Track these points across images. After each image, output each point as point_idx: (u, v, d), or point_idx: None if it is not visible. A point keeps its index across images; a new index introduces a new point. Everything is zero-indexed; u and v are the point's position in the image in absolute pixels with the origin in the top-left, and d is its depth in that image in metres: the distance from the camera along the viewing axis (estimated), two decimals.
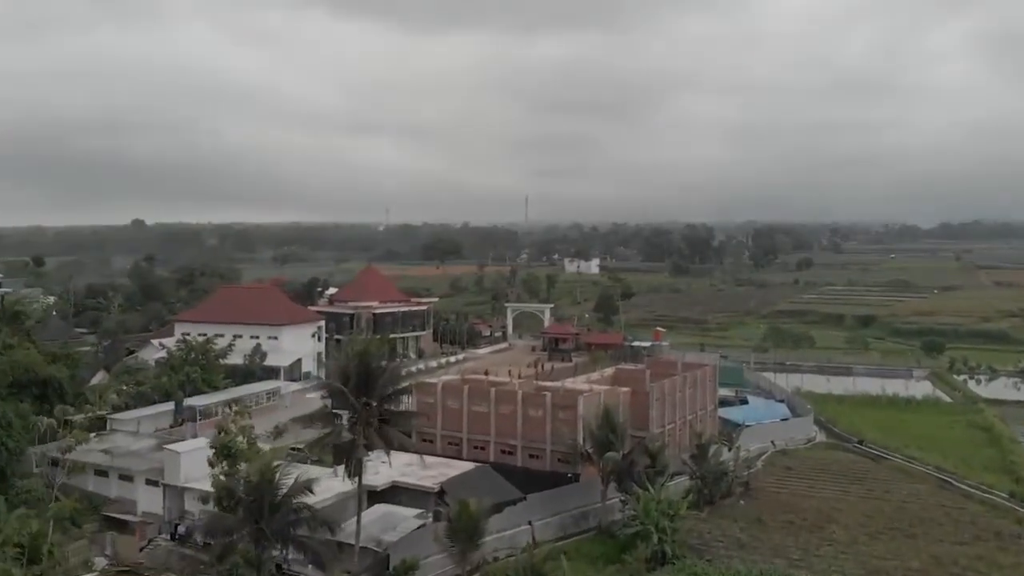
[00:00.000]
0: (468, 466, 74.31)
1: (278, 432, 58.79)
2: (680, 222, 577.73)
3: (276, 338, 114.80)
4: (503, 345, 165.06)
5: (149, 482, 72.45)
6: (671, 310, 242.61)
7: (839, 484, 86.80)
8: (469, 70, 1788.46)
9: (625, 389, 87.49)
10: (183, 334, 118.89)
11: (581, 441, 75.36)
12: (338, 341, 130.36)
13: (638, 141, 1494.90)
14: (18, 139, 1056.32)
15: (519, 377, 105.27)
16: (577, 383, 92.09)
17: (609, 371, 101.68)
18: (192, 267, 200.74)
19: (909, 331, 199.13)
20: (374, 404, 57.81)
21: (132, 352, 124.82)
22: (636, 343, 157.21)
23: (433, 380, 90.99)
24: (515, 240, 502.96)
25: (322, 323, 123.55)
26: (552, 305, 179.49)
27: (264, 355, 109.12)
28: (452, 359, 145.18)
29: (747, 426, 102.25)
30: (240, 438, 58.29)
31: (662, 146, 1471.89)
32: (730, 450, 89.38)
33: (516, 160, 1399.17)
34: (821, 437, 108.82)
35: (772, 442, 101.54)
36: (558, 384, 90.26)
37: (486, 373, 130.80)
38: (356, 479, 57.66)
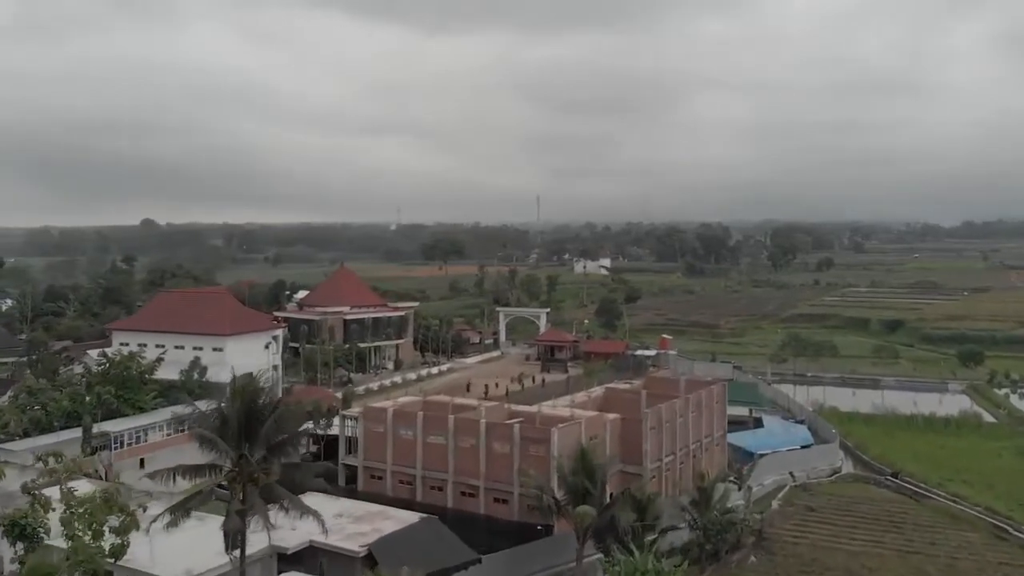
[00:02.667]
0: (411, 519, 59.81)
1: (107, 498, 44.62)
2: (695, 221, 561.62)
3: (221, 349, 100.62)
4: (495, 353, 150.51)
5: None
6: (682, 313, 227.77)
7: (872, 532, 71.89)
8: (484, 69, 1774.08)
9: (613, 416, 72.83)
10: (121, 344, 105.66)
11: (553, 486, 60.47)
12: (295, 351, 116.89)
13: (654, 140, 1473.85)
14: (38, 140, 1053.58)
15: (486, 398, 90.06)
16: (558, 407, 77.38)
17: (599, 391, 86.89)
18: (163, 267, 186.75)
19: (940, 337, 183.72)
20: (259, 455, 43.70)
21: (70, 363, 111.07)
22: (640, 351, 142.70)
23: (383, 404, 76.47)
24: (525, 240, 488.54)
25: (279, 332, 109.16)
26: (548, 310, 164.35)
27: (204, 370, 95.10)
28: (435, 370, 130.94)
29: (762, 455, 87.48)
30: (52, 509, 43.37)
31: (678, 145, 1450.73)
32: (740, 489, 74.79)
33: (531, 160, 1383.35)
34: (847, 466, 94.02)
35: (791, 474, 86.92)
36: (534, 409, 75.57)
37: (468, 387, 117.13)
38: (237, 552, 43.43)
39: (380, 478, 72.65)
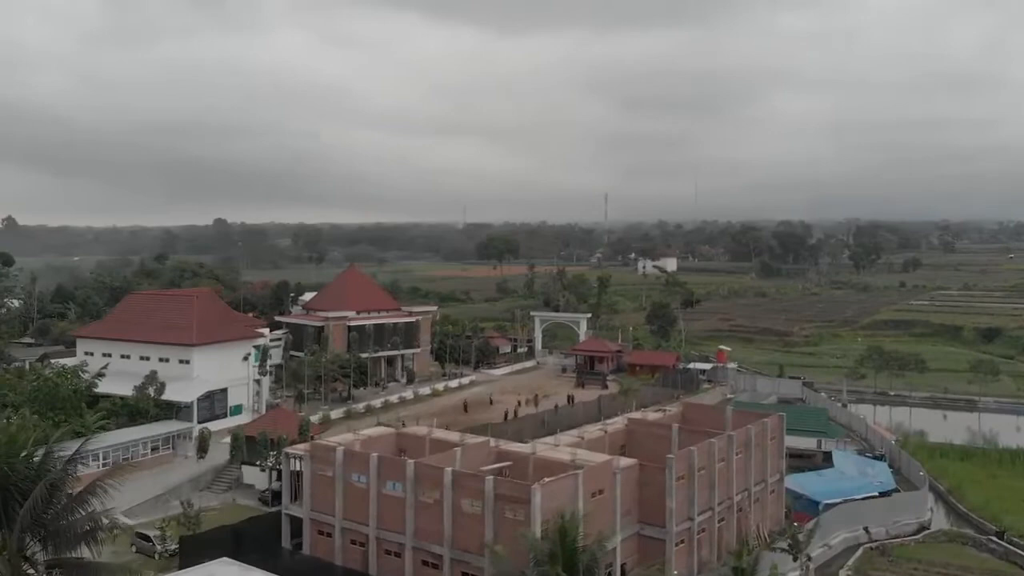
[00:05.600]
0: None
1: None
2: (775, 219, 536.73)
3: (187, 362, 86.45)
4: (529, 364, 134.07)
5: None
6: (751, 319, 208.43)
7: None
8: (555, 68, 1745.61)
9: (628, 463, 55.93)
10: (86, 353, 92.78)
11: (526, 570, 43.80)
12: (281, 364, 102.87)
13: (731, 138, 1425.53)
14: (125, 143, 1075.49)
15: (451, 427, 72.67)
16: (560, 446, 60.69)
17: (619, 423, 69.87)
18: (185, 266, 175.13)
19: None
20: (29, 549, 28.65)
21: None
22: (693, 365, 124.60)
23: (334, 440, 60.77)
24: (590, 239, 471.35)
25: (261, 341, 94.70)
26: (589, 315, 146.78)
27: (162, 386, 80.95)
28: (454, 383, 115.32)
29: (828, 505, 69.54)
30: None
31: (756, 143, 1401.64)
32: (795, 559, 57.12)
33: (603, 159, 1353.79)
34: (939, 519, 75.32)
35: (865, 530, 68.86)
36: (528, 450, 59.05)
37: (466, 407, 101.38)
38: None
39: (328, 535, 57.14)
